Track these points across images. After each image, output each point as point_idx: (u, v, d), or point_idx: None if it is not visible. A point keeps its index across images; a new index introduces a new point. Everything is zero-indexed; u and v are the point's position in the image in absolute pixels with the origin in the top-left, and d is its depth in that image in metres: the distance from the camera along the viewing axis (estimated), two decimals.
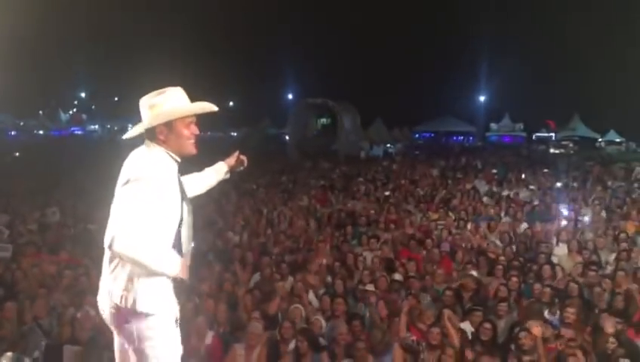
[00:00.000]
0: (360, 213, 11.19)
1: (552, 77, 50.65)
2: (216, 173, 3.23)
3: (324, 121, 33.06)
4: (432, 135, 47.25)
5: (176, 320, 2.70)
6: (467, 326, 6.09)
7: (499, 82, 48.54)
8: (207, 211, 10.22)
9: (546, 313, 6.38)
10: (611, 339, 5.33)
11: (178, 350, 2.71)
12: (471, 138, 46.99)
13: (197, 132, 2.75)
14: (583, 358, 5.10)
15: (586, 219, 10.74)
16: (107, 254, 2.63)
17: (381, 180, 16.63)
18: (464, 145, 42.11)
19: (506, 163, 21.44)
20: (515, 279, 7.00)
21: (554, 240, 9.48)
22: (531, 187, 14.63)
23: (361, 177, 17.44)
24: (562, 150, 35.72)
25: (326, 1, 59.72)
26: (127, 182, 2.53)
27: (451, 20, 57.49)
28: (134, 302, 2.52)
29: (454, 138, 46.92)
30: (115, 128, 57.41)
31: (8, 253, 7.74)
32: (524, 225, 10.39)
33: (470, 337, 5.82)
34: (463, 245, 9.08)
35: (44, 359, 5.23)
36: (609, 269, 8.10)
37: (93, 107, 66.61)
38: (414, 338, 5.53)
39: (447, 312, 5.78)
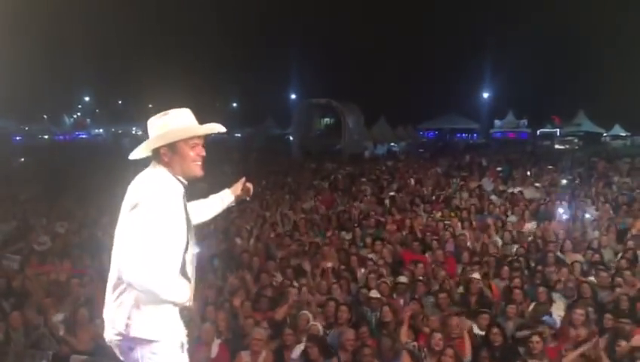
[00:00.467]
0: (365, 215, 11.17)
1: (556, 72, 50.45)
2: (222, 201, 3.21)
3: (327, 120, 33.08)
4: (436, 133, 47.11)
5: (182, 346, 2.67)
6: (474, 330, 6.08)
7: (502, 78, 48.42)
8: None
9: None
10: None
11: None
12: (475, 135, 46.87)
13: (203, 153, 2.70)
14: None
15: (587, 216, 10.65)
16: (111, 281, 2.60)
17: (386, 179, 16.60)
18: (468, 143, 42.02)
19: (510, 160, 21.35)
20: (517, 280, 6.97)
21: (560, 239, 9.43)
22: (537, 184, 14.58)
23: (365, 177, 17.42)
24: (567, 146, 35.55)
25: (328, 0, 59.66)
26: (135, 207, 2.49)
27: (454, 18, 57.36)
28: (138, 329, 2.50)
29: (458, 135, 46.79)
30: (120, 132, 57.60)
31: (16, 264, 7.77)
32: (532, 224, 10.36)
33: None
34: (469, 245, 9.06)
35: None
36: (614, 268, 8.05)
37: (97, 111, 66.76)
38: (415, 344, 5.52)
39: (455, 319, 5.75)
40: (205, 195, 3.20)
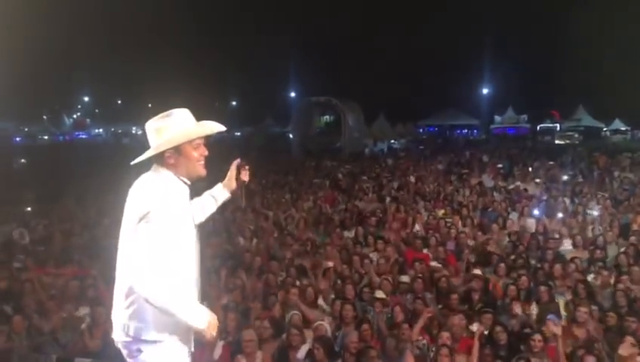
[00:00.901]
0: (366, 213, 11.16)
1: (555, 67, 50.37)
2: (215, 200, 3.07)
3: (327, 118, 33.07)
4: (436, 129, 47.06)
5: (189, 349, 2.69)
6: (476, 328, 6.06)
7: (502, 74, 48.35)
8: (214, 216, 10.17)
9: None
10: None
11: None
12: (475, 131, 46.80)
13: (206, 153, 2.71)
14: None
15: (595, 213, 10.61)
16: (122, 288, 2.59)
17: (386, 177, 16.58)
18: (469, 139, 41.98)
19: (510, 156, 21.33)
20: (524, 278, 6.95)
21: (561, 235, 9.43)
22: (537, 180, 14.56)
23: (366, 175, 17.40)
24: (567, 141, 35.52)
25: None
26: (141, 215, 2.46)
27: (453, 14, 57.26)
28: (148, 331, 2.51)
29: (458, 131, 46.73)
30: (120, 131, 57.64)
31: (19, 263, 7.76)
32: (532, 221, 10.34)
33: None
34: (470, 242, 9.04)
35: None
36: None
37: (96, 111, 66.77)
38: (425, 341, 5.52)
39: (457, 318, 5.75)
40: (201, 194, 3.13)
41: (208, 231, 8.67)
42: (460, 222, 10.26)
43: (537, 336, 5.23)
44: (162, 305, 2.40)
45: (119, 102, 69.06)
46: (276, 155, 27.01)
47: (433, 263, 8.06)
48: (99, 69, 60.55)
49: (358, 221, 10.69)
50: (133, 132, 56.30)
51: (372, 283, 7.12)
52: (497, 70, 49.29)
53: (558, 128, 41.93)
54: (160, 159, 2.63)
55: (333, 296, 6.87)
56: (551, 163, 18.50)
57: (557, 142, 35.78)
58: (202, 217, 2.99)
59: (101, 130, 60.68)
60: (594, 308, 6.34)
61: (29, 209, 12.25)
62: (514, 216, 10.80)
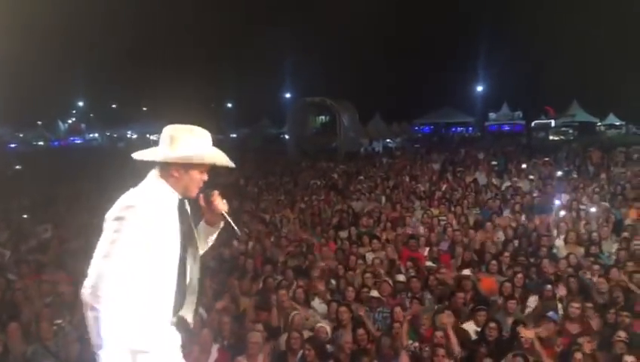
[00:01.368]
0: (362, 213, 11.18)
1: (549, 63, 50.46)
2: (206, 243, 2.84)
3: (323, 119, 33.05)
4: (431, 127, 47.16)
5: (175, 356, 2.58)
6: (471, 327, 6.11)
7: (496, 71, 48.46)
8: None
9: None
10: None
11: None
12: (470, 128, 46.90)
13: (206, 178, 2.64)
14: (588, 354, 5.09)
15: (592, 210, 10.62)
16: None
17: (381, 176, 16.61)
18: (464, 136, 42.06)
19: (505, 153, 21.36)
20: (520, 276, 7.00)
21: (555, 232, 9.47)
22: (531, 177, 14.58)
23: (362, 175, 17.43)
24: (562, 136, 35.59)
25: None
26: (113, 216, 2.37)
27: (446, 11, 57.34)
28: (126, 339, 2.32)
29: (454, 129, 46.82)
30: (115, 135, 57.56)
31: (5, 258, 7.74)
32: (524, 218, 10.37)
33: (475, 337, 5.84)
34: (464, 240, 9.06)
35: None
36: (613, 260, 8.09)
37: (91, 115, 66.61)
38: (416, 344, 5.55)
39: (444, 315, 5.78)
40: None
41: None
42: (454, 221, 10.30)
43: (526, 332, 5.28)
44: (111, 316, 2.25)
45: (114, 106, 68.87)
46: (272, 157, 27.03)
47: (428, 263, 8.11)
48: (93, 73, 60.39)
49: (353, 221, 10.72)
50: (129, 136, 56.23)
51: (366, 284, 7.15)
52: (492, 67, 49.40)
53: (553, 124, 42.02)
54: (164, 169, 2.56)
55: (329, 297, 6.89)
56: (546, 159, 18.51)
57: (551, 138, 35.86)
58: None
59: (96, 134, 60.59)
60: (589, 305, 6.37)
61: (25, 216, 12.21)
62: (507, 213, 10.82)
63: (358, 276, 7.58)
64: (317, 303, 6.88)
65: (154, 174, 2.57)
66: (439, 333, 5.44)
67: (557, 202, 11.29)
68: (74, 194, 15.23)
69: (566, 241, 8.74)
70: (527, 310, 6.65)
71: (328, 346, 5.66)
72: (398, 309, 6.16)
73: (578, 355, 5.05)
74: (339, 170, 19.09)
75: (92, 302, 2.26)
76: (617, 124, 42.98)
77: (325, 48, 56.21)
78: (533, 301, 6.67)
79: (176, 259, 2.51)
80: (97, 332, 2.27)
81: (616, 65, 41.22)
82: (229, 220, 2.72)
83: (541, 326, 5.61)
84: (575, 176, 14.83)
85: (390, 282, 7.13)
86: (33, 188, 16.52)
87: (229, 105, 65.21)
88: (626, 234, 8.87)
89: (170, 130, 2.57)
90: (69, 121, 63.34)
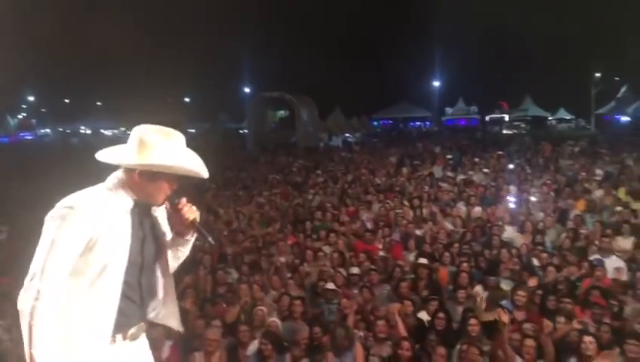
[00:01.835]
0: (319, 207, 11.25)
1: (503, 58, 51.68)
2: (177, 258, 2.61)
3: (281, 113, 32.99)
4: (390, 122, 47.73)
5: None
6: (425, 316, 6.26)
7: (452, 67, 49.25)
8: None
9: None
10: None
11: None
12: (428, 123, 47.73)
13: (175, 188, 2.39)
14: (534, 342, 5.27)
15: (533, 199, 11.04)
16: None
17: (340, 170, 16.72)
18: (421, 131, 42.77)
19: (460, 147, 21.82)
20: (465, 265, 7.20)
21: (505, 223, 9.77)
22: (485, 170, 14.98)
23: (320, 169, 17.50)
24: (515, 130, 36.63)
25: None
26: (51, 216, 2.21)
27: (403, 9, 57.98)
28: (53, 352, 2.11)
29: (412, 124, 47.56)
30: (68, 131, 55.77)
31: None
32: (478, 209, 10.66)
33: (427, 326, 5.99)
34: (418, 232, 9.26)
35: None
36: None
37: (43, 110, 64.34)
38: (362, 334, 5.65)
39: (394, 305, 5.92)
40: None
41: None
42: (410, 213, 10.48)
43: (473, 321, 5.44)
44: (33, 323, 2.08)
45: (66, 100, 66.71)
46: (232, 152, 26.78)
47: (382, 253, 8.25)
48: (44, 67, 58.24)
49: (310, 215, 10.79)
50: (82, 131, 54.60)
51: (323, 276, 7.23)
52: (448, 63, 50.24)
53: (507, 118, 43.22)
54: (128, 173, 2.32)
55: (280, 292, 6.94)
56: (499, 152, 19.02)
57: (505, 131, 36.84)
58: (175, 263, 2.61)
59: (48, 130, 58.52)
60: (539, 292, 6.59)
61: None
62: (461, 205, 11.09)
63: (314, 269, 7.65)
64: (268, 298, 6.91)
65: (115, 176, 2.35)
66: (381, 322, 5.55)
67: (507, 194, 11.63)
68: (28, 193, 14.69)
69: (522, 231, 9.03)
70: (478, 299, 6.84)
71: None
72: (344, 300, 6.25)
73: (529, 342, 5.23)
74: (298, 165, 19.10)
75: (23, 307, 2.10)
76: (567, 118, 44.54)
77: (284, 43, 56.03)
78: (480, 290, 6.87)
79: (124, 264, 2.29)
80: (28, 343, 2.09)
81: (567, 60, 42.72)
82: (201, 228, 2.47)
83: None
84: (527, 168, 15.31)
85: (344, 273, 7.22)
86: None
87: (187, 99, 64.14)
88: (570, 223, 9.24)
89: (140, 132, 2.31)
90: (19, 116, 60.96)
